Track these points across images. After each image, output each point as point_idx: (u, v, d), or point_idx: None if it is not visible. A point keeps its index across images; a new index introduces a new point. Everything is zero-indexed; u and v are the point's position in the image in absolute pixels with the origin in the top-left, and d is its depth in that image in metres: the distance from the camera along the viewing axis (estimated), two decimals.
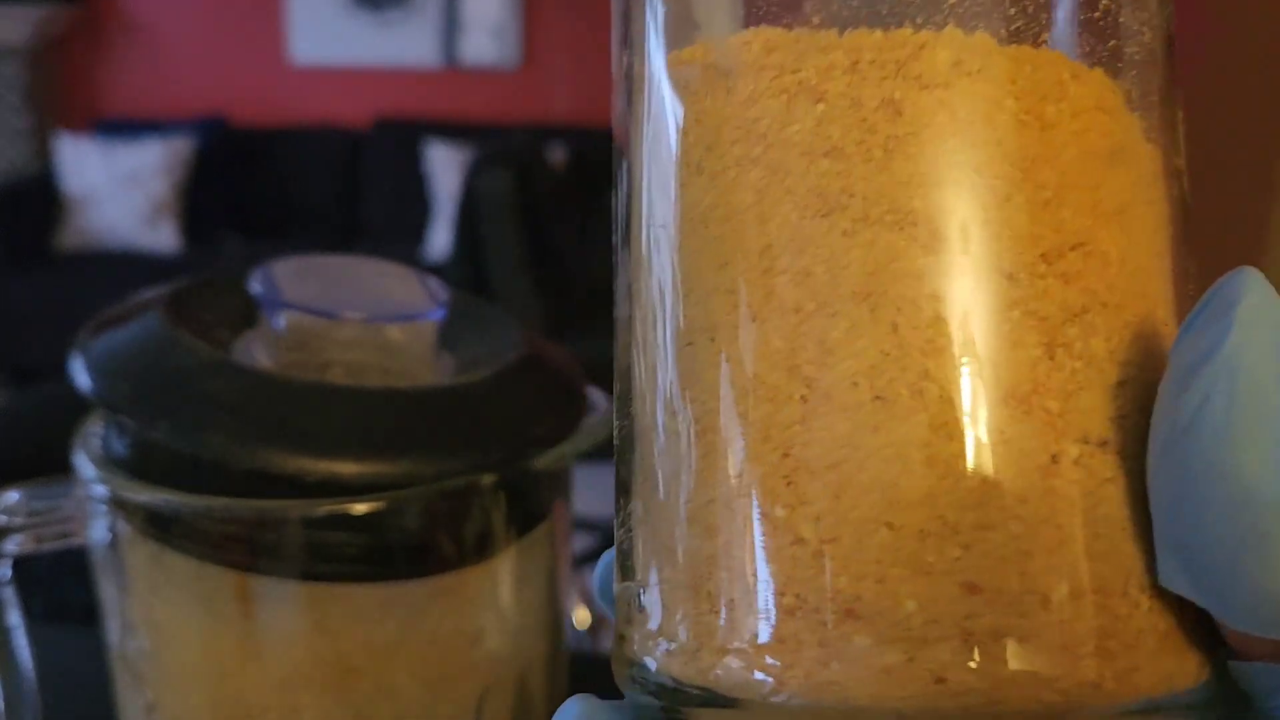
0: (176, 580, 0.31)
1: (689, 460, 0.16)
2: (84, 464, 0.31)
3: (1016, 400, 0.15)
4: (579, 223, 2.14)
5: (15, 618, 0.33)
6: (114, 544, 0.32)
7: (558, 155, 2.51)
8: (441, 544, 0.31)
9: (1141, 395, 0.15)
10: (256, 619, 0.31)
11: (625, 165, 0.18)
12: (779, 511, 0.15)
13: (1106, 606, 0.14)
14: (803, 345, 0.15)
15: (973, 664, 0.14)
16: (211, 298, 0.35)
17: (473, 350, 0.36)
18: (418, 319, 0.35)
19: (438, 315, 0.35)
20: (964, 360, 0.15)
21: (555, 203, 2.07)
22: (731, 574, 0.15)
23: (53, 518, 0.31)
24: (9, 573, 0.32)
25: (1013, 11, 0.16)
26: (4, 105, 2.84)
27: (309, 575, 0.30)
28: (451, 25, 2.94)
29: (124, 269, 2.60)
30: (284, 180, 2.90)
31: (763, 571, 0.15)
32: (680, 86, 0.17)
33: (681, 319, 0.16)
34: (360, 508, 0.29)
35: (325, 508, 0.29)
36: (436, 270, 0.36)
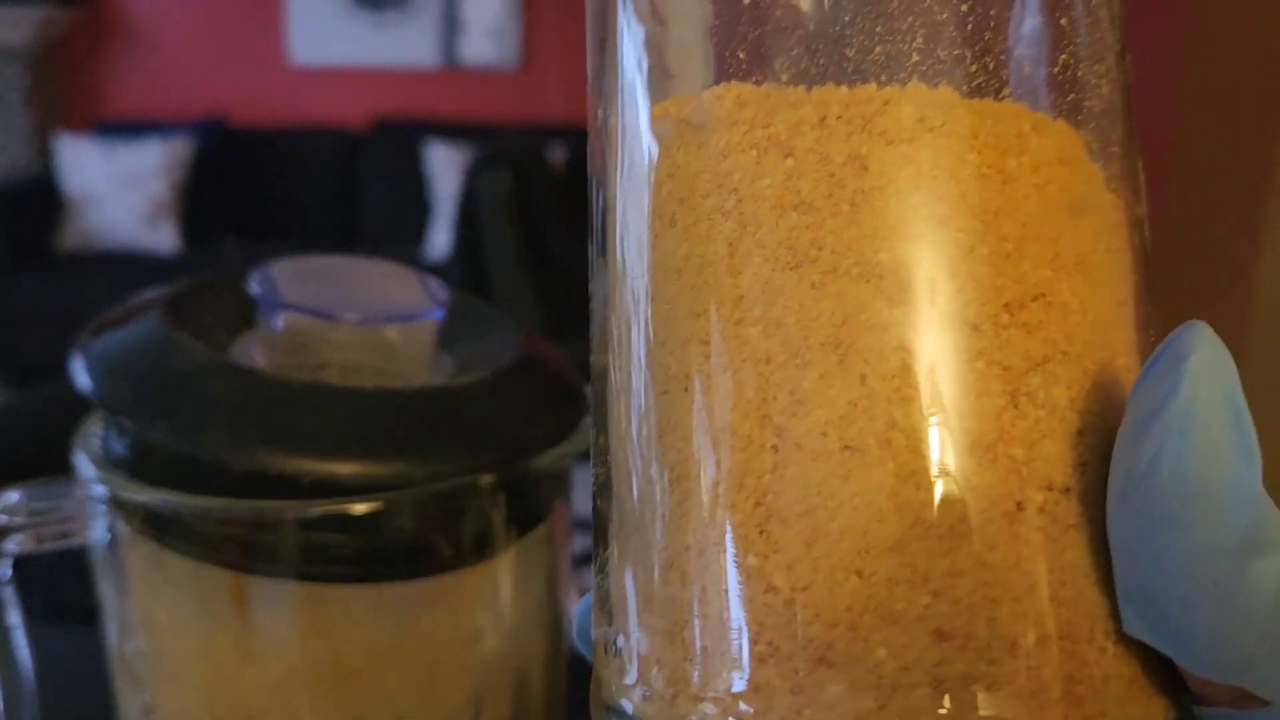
0: (175, 580, 0.31)
1: (664, 508, 0.16)
2: (84, 464, 0.31)
3: (982, 448, 0.15)
4: (579, 223, 2.14)
5: (15, 618, 0.33)
6: (113, 544, 0.32)
7: (557, 155, 2.51)
8: (439, 545, 0.31)
9: (1102, 443, 0.15)
10: (253, 620, 0.31)
11: (602, 215, 0.19)
12: (752, 560, 0.15)
13: (1074, 652, 0.15)
14: (774, 395, 0.15)
15: (943, 711, 0.14)
16: (211, 299, 0.35)
17: (472, 350, 0.36)
18: (416, 319, 0.35)
19: (437, 315, 0.35)
20: (930, 409, 0.15)
21: (555, 203, 2.07)
22: (706, 622, 0.15)
23: (52, 518, 0.32)
24: (9, 572, 0.32)
25: (974, 68, 0.16)
26: (5, 106, 2.84)
27: (306, 576, 0.30)
28: (450, 26, 2.94)
29: (124, 269, 2.60)
30: (283, 181, 2.91)
31: (736, 620, 0.15)
32: (655, 141, 0.17)
33: (657, 368, 0.17)
34: (358, 508, 0.29)
35: (322, 508, 0.29)
36: (436, 270, 0.36)
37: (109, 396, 0.31)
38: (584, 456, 0.34)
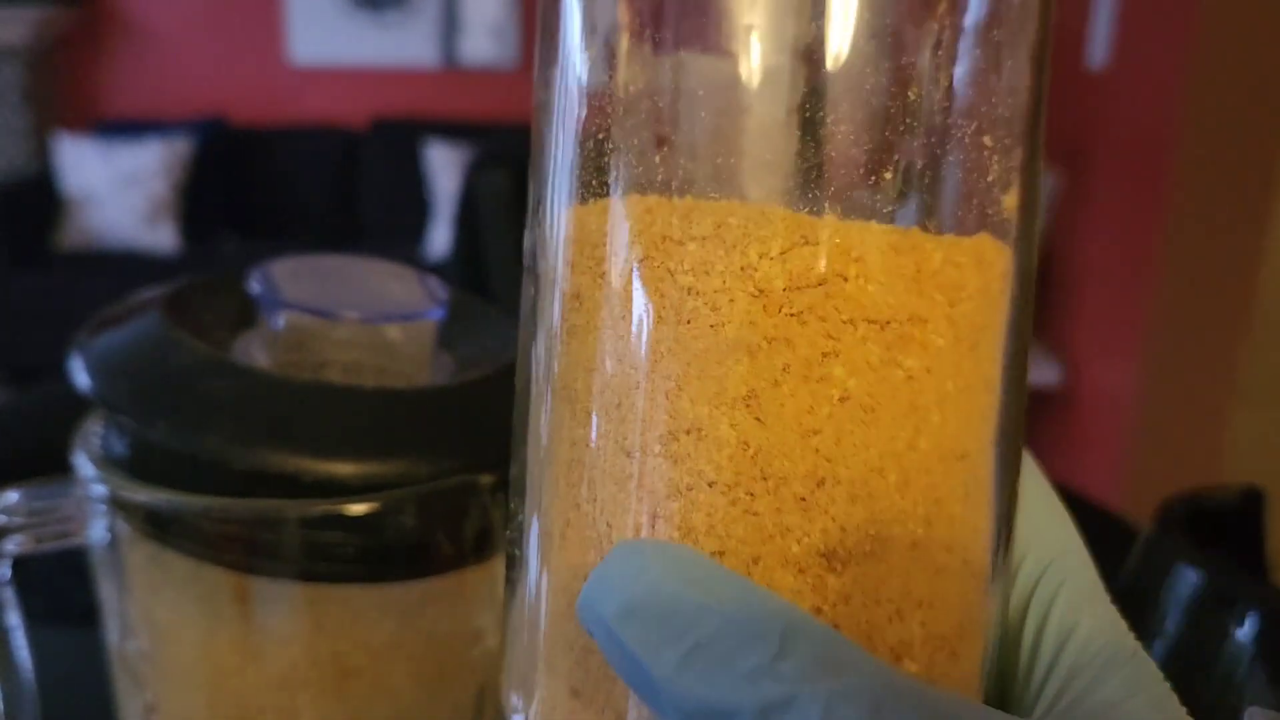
0: (175, 580, 0.31)
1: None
2: (83, 464, 0.31)
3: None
4: None
5: (15, 618, 0.33)
6: (113, 544, 0.32)
7: None
8: (440, 544, 0.31)
9: None
10: (254, 619, 0.31)
11: None
12: None
13: None
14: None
15: None
16: (210, 298, 0.35)
17: (472, 349, 0.36)
18: (417, 318, 0.35)
19: (437, 315, 0.35)
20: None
21: None
22: None
23: (52, 518, 0.31)
24: (9, 573, 0.32)
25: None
26: (4, 105, 2.84)
27: (307, 575, 0.30)
28: (450, 25, 2.94)
29: (123, 269, 2.60)
30: (283, 180, 2.91)
31: None
32: None
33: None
34: (358, 508, 0.29)
35: (323, 508, 0.29)
36: (435, 270, 0.36)
37: (108, 395, 0.31)
38: None
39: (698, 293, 0.16)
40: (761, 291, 0.15)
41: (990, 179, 0.16)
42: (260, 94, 3.01)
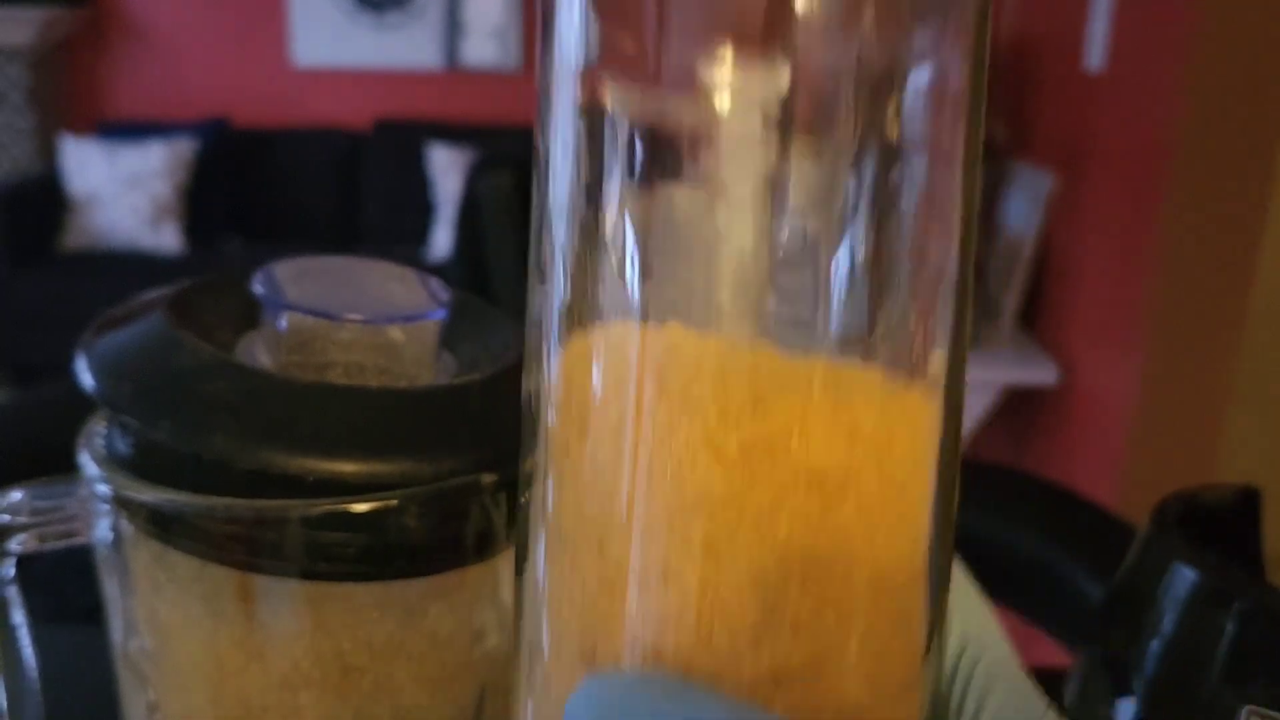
0: (178, 579, 0.31)
1: None
2: (87, 463, 0.32)
3: None
4: None
5: (19, 617, 0.33)
6: (117, 543, 0.32)
7: None
8: (442, 543, 0.31)
9: None
10: (258, 618, 0.31)
11: None
12: None
13: None
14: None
15: None
16: (214, 299, 0.36)
17: (474, 350, 0.36)
18: (419, 319, 0.35)
19: (439, 316, 0.35)
20: None
21: None
22: None
23: (56, 517, 0.32)
24: (12, 572, 0.32)
25: None
26: (8, 106, 2.85)
27: (310, 574, 0.30)
28: (452, 27, 2.94)
29: (127, 270, 2.61)
30: (286, 182, 2.91)
31: None
32: None
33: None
34: (361, 507, 0.29)
35: (326, 507, 0.29)
36: (438, 271, 0.36)
37: (112, 396, 0.31)
38: None
39: (669, 452, 0.18)
40: (719, 454, 0.18)
41: (921, 336, 0.19)
42: (263, 96, 3.01)
